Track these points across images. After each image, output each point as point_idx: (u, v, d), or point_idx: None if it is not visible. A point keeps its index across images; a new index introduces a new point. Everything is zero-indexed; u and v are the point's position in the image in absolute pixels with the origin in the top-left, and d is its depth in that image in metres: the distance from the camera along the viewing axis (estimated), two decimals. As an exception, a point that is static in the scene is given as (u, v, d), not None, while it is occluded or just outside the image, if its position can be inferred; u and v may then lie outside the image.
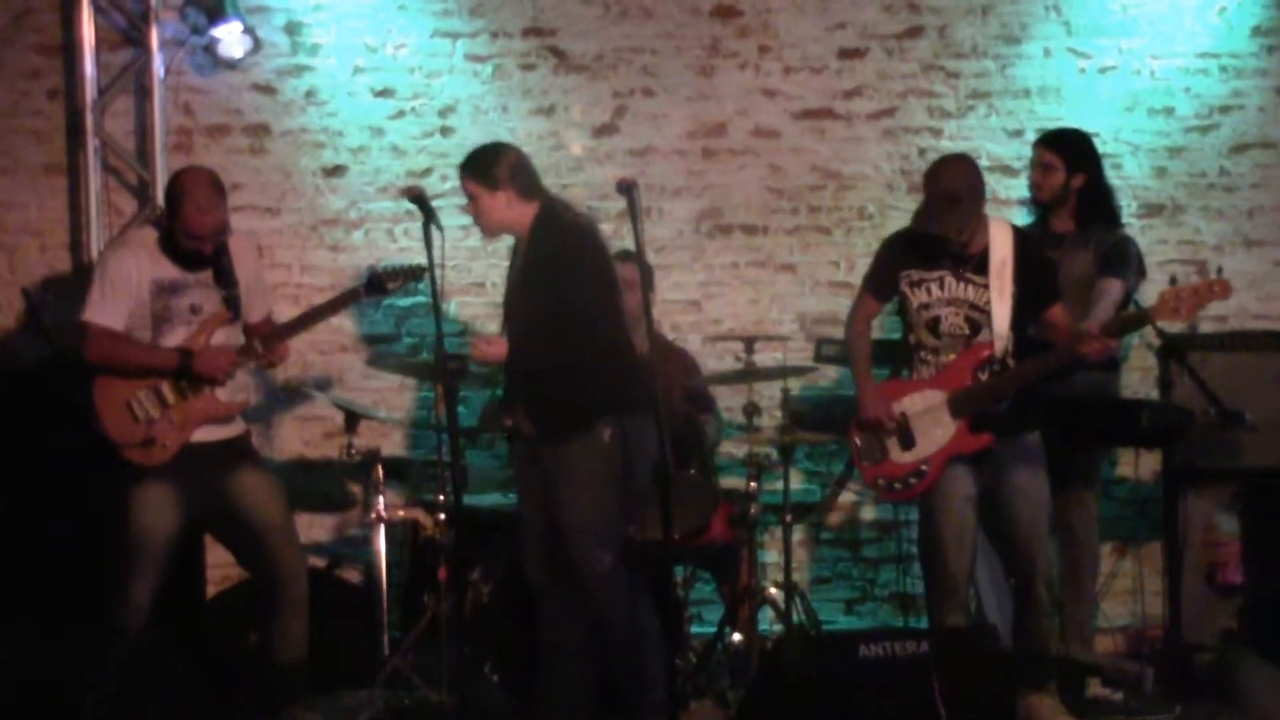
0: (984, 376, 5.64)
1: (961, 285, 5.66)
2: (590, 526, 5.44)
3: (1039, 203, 6.52)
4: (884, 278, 5.82)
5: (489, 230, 5.68)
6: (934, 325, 5.69)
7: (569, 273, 5.45)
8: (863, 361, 5.87)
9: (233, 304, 5.65)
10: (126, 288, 5.53)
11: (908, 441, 5.70)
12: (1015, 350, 5.67)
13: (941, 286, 5.69)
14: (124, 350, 5.54)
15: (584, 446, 5.43)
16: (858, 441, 5.82)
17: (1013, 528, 5.71)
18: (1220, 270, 5.59)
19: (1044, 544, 5.74)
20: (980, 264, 5.65)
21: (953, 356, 5.67)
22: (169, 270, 5.59)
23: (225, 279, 5.65)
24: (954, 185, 5.61)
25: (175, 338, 5.56)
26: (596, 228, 5.66)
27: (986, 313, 5.63)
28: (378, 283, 5.84)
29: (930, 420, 5.67)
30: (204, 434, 5.59)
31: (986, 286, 5.62)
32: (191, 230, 5.55)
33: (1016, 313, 5.63)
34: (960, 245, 5.61)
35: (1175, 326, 6.40)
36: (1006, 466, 5.66)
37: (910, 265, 5.73)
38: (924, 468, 5.66)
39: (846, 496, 7.54)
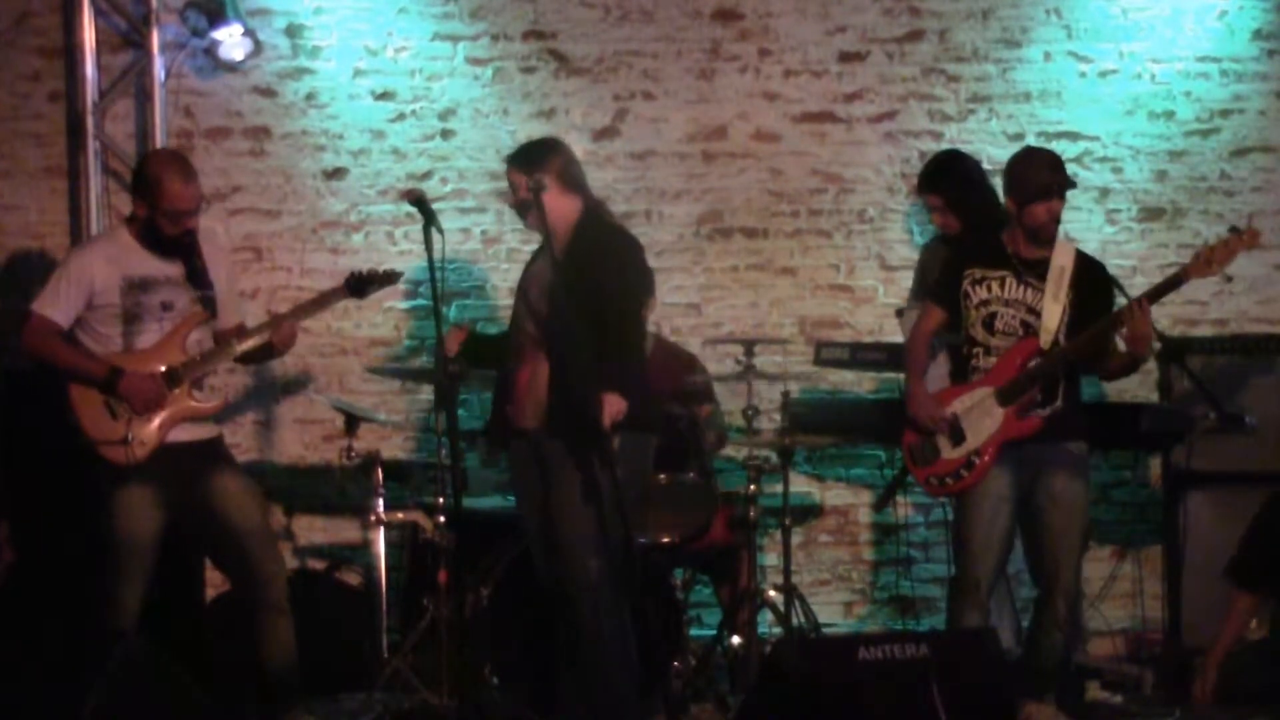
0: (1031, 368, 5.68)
1: (1021, 288, 5.71)
2: (584, 534, 5.34)
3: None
4: (948, 281, 5.84)
5: (530, 222, 5.57)
6: (989, 321, 5.73)
7: (618, 274, 5.43)
8: (917, 367, 5.89)
9: (209, 305, 5.61)
10: (84, 288, 5.48)
11: (958, 438, 5.71)
12: None
13: (1003, 286, 5.73)
14: (57, 348, 5.50)
15: (590, 453, 5.33)
16: (911, 446, 5.84)
17: (1042, 535, 5.71)
18: (1250, 219, 5.64)
19: (1072, 556, 5.71)
20: (1041, 271, 5.70)
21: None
22: (142, 266, 5.52)
23: (199, 280, 5.59)
24: (1052, 155, 5.83)
25: (148, 334, 5.53)
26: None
27: (1041, 317, 5.66)
28: (357, 285, 5.81)
29: (979, 413, 5.68)
30: (180, 434, 5.55)
31: (1044, 292, 5.66)
32: (175, 205, 5.47)
33: (1067, 318, 5.67)
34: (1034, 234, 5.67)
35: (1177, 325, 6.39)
36: (1046, 472, 5.68)
37: (974, 264, 5.79)
38: (975, 458, 5.68)
39: (844, 498, 7.55)
